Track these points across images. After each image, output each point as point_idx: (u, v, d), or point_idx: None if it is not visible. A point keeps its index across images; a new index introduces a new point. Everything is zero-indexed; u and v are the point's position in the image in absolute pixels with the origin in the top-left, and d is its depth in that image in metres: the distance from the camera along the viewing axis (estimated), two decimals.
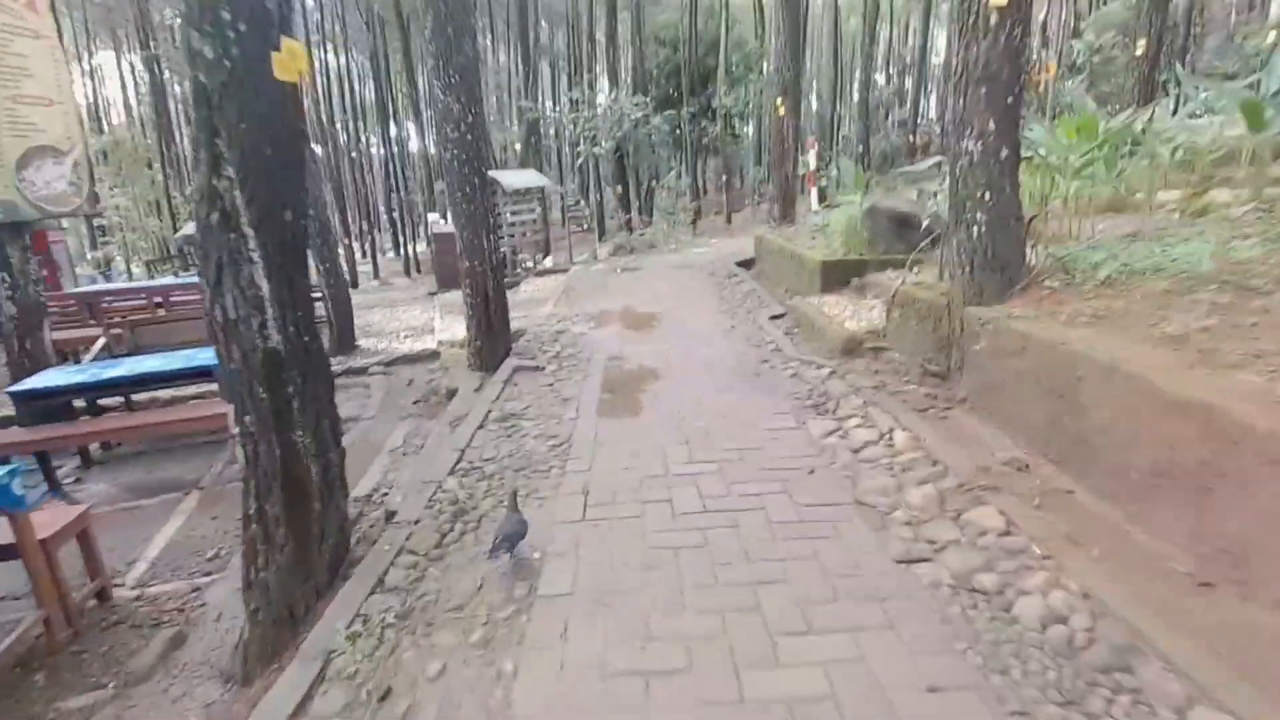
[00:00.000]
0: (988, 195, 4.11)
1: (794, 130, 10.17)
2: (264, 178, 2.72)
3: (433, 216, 15.97)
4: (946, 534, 2.81)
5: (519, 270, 14.31)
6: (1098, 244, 4.43)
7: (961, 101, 4.18)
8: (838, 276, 7.09)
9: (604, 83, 19.57)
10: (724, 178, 23.23)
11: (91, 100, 27.83)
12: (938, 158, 7.96)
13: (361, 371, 7.91)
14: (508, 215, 13.94)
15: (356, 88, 29.62)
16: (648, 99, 16.41)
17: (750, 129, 28.43)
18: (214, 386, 5.71)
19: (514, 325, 8.09)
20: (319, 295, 9.16)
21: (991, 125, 4.07)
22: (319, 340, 3.19)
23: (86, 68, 27.76)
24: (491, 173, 13.44)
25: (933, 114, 27.85)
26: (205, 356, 5.15)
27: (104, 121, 28.29)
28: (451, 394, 6.22)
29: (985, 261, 4.13)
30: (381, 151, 30.83)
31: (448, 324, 9.93)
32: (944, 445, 3.55)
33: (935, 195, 6.95)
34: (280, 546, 2.96)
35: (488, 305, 6.11)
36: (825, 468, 3.58)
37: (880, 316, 5.89)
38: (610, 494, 3.45)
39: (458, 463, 3.98)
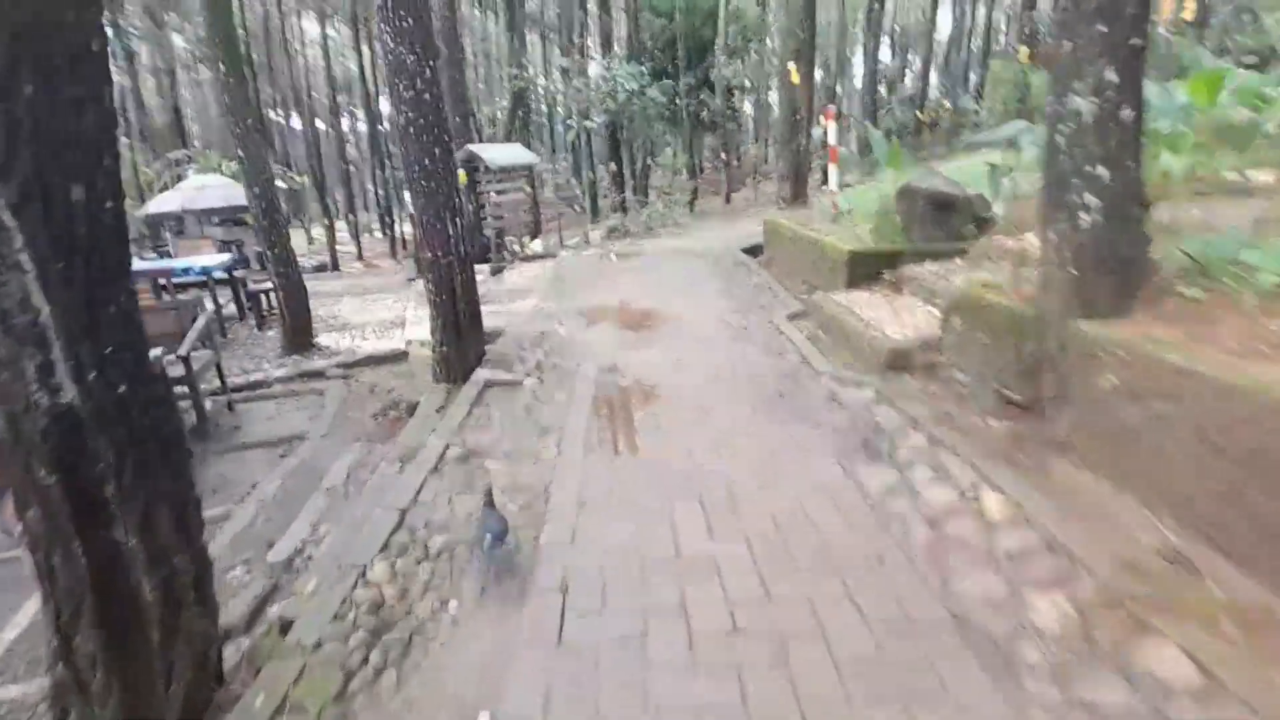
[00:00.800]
0: (1104, 171, 3.08)
1: (808, 99, 9.06)
2: (29, 127, 1.66)
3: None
4: (1111, 693, 1.84)
5: (505, 255, 13.20)
6: (1228, 236, 3.42)
7: (1069, 46, 3.13)
8: (867, 269, 6.06)
9: (597, 53, 18.28)
10: (722, 155, 22.01)
11: None
12: (1020, 123, 6.85)
13: (318, 375, 6.85)
14: (493, 195, 12.80)
15: (343, 58, 28.08)
16: (643, 69, 15.17)
17: (748, 105, 27.15)
18: None
19: (493, 322, 7.04)
20: (267, 285, 8.07)
21: (1112, 76, 3.03)
22: (161, 383, 2.16)
23: None
24: (473, 147, 12.28)
25: (934, 91, 26.58)
26: None
27: None
28: (412, 409, 5.21)
29: (1098, 260, 3.11)
30: (366, 127, 29.40)
31: (422, 317, 8.86)
32: (1061, 521, 2.56)
33: (1010, 172, 5.89)
34: (100, 698, 1.96)
35: (455, 303, 5.06)
36: (896, 547, 2.60)
37: (926, 321, 4.87)
38: (598, 594, 2.45)
39: (395, 530, 2.97)
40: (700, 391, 4.47)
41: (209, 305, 7.92)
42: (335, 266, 22.10)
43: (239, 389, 6.62)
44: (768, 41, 26.13)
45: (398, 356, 7.16)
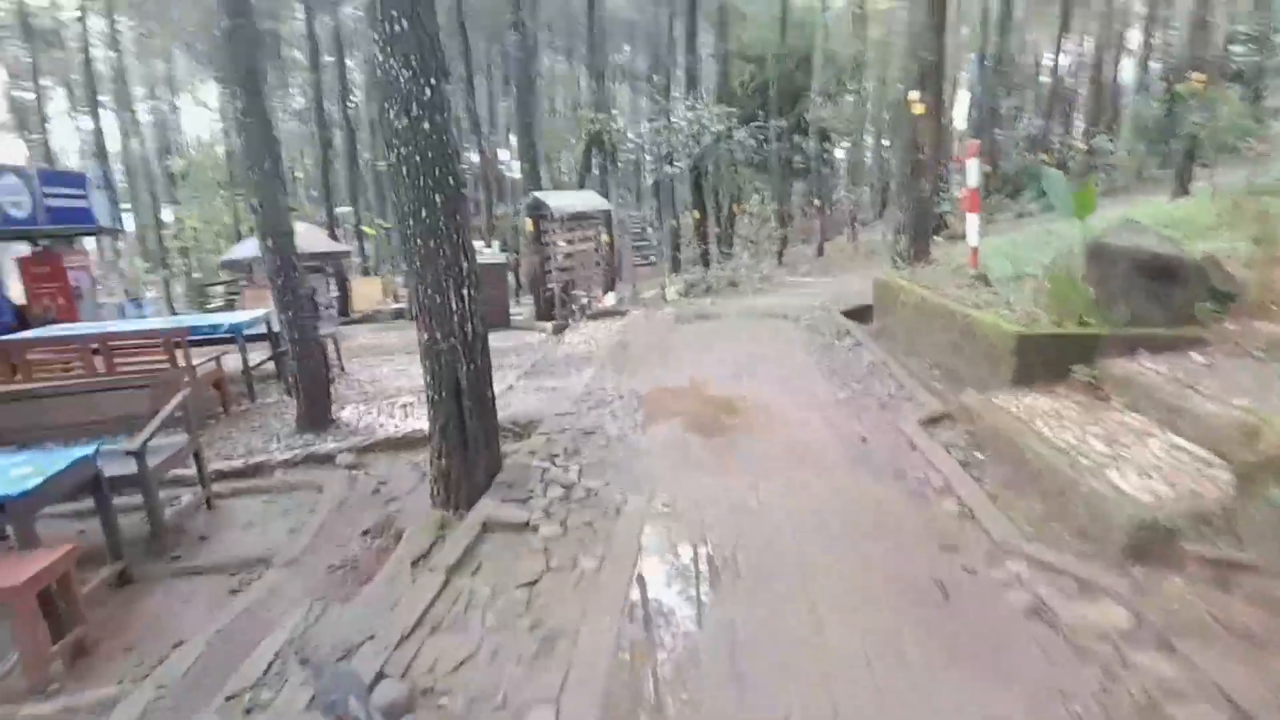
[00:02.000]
0: None
1: (934, 135, 7.37)
2: None
3: (477, 244, 14.05)
4: None
5: (571, 310, 12.03)
6: None
7: None
8: (1047, 361, 4.22)
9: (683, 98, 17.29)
10: (815, 202, 20.36)
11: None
12: None
13: (326, 460, 5.68)
14: (560, 244, 11.74)
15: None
16: (730, 110, 13.93)
17: (840, 151, 25.53)
18: None
19: (532, 405, 5.67)
20: (278, 352, 7.06)
21: None
22: None
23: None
24: (539, 193, 11.32)
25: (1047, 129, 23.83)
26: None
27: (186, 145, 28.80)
28: (398, 537, 3.86)
29: None
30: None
31: None
32: None
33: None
34: None
35: (459, 403, 3.68)
36: None
37: (1173, 462, 3.02)
38: None
39: None
40: (806, 570, 2.79)
41: (230, 363, 7.04)
42: (414, 315, 21.90)
43: (234, 475, 5.54)
44: (865, 85, 24.59)
45: (422, 440, 5.89)
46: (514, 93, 11.12)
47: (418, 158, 3.39)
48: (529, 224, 10.74)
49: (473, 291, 3.65)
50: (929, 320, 5.81)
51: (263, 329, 8.14)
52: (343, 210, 25.51)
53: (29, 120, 24.65)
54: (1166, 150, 22.63)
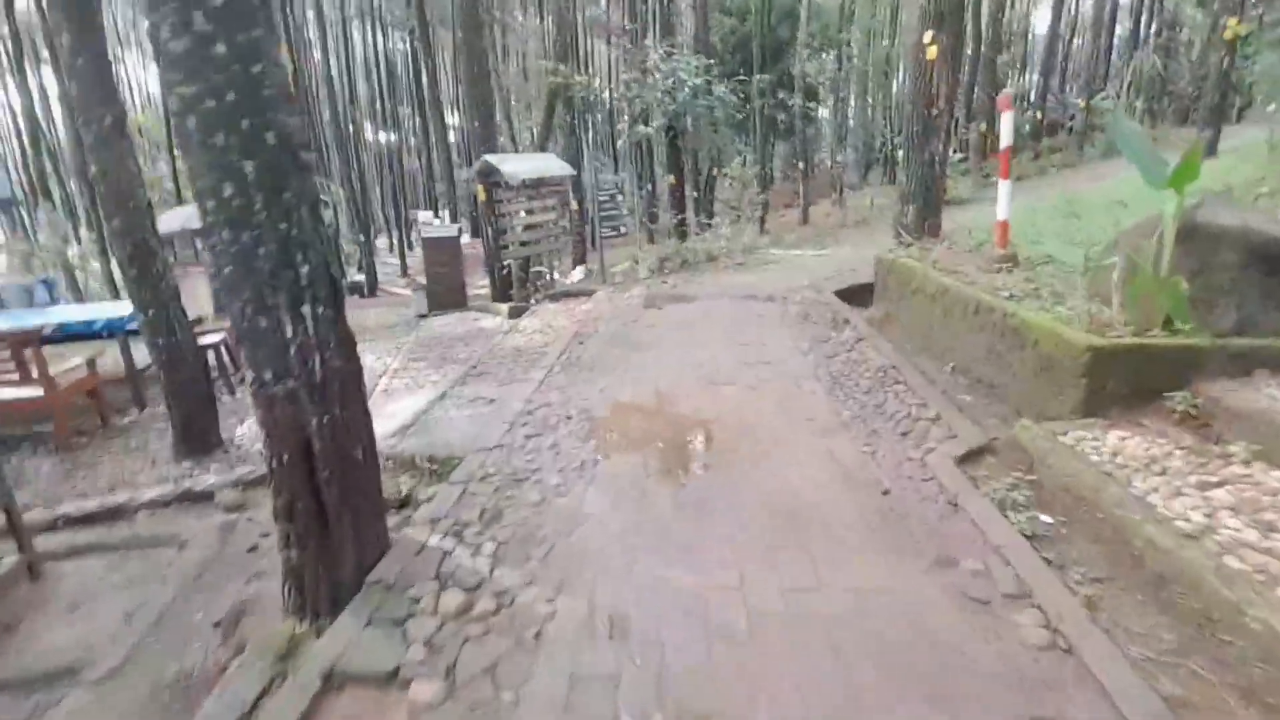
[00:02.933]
0: None
1: (950, 85, 6.15)
2: None
3: (423, 215, 12.56)
4: None
5: (532, 289, 10.75)
6: None
7: None
8: (1129, 381, 3.15)
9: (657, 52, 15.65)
10: (800, 164, 19.03)
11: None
12: None
13: (203, 499, 4.48)
14: (520, 214, 10.40)
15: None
16: (709, 63, 12.48)
17: (825, 111, 24.16)
18: None
19: (458, 430, 4.51)
20: (217, 338, 5.76)
21: None
22: None
23: None
24: (490, 157, 9.91)
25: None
26: None
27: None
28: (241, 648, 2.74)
29: None
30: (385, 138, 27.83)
31: (410, 382, 6.46)
32: None
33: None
34: None
35: (311, 475, 2.50)
36: None
37: None
38: None
39: None
40: None
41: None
42: (373, 290, 20.37)
43: (85, 520, 4.34)
44: (851, 39, 23.04)
45: None
46: (458, 36, 9.61)
47: (211, 102, 2.15)
48: (481, 192, 9.39)
49: (324, 309, 2.44)
50: (952, 314, 4.70)
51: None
52: None
53: None
54: (1160, 108, 21.61)
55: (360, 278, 20.97)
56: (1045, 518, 2.86)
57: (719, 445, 3.80)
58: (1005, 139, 4.96)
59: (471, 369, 6.18)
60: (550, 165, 10.34)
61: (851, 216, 15.45)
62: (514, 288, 10.23)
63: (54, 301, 12.44)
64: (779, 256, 10.72)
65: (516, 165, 9.37)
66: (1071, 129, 18.82)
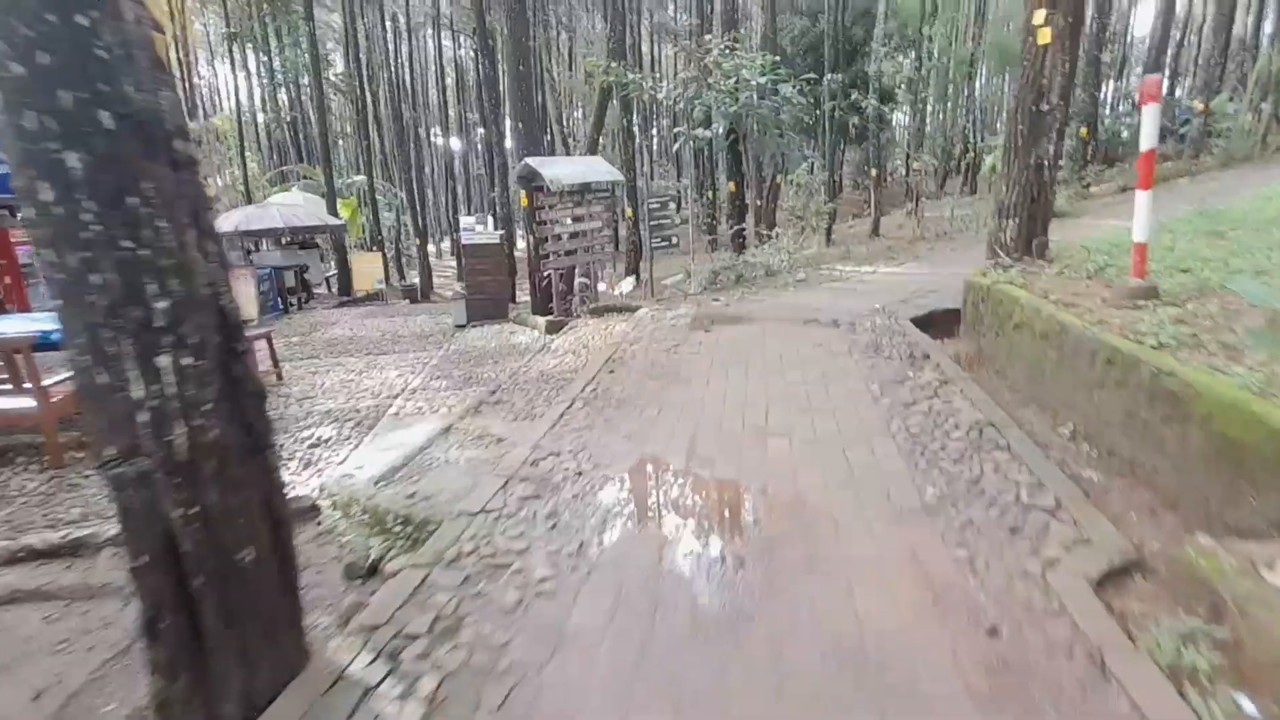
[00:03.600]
0: None
1: (1064, 74, 5.05)
2: None
3: (465, 220, 12.10)
4: None
5: (576, 300, 10.08)
6: None
7: None
8: None
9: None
10: (873, 171, 17.75)
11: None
12: None
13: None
14: (568, 221, 9.76)
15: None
16: (775, 60, 11.54)
17: (902, 115, 22.66)
18: None
19: (448, 482, 3.81)
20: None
21: None
22: None
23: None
24: (532, 160, 9.27)
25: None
26: None
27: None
28: None
29: None
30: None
31: (424, 406, 5.88)
32: None
33: None
34: None
35: (181, 581, 1.82)
36: None
37: None
38: None
39: None
40: None
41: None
42: (425, 295, 20.25)
43: (47, 555, 3.89)
44: (931, 38, 21.50)
45: (302, 515, 4.12)
46: (503, 32, 9.06)
47: (18, 67, 1.48)
48: (522, 197, 8.80)
49: (194, 359, 1.75)
50: (1073, 361, 3.67)
51: None
52: (358, 179, 24.01)
53: None
54: None
55: (416, 281, 21.00)
56: (1249, 704, 1.87)
57: (763, 532, 2.93)
58: (1148, 140, 3.89)
59: (489, 395, 5.52)
60: (597, 170, 9.65)
61: (930, 229, 14.13)
62: (554, 300, 9.59)
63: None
64: (846, 273, 9.67)
65: (559, 169, 8.71)
66: (1184, 135, 16.80)
